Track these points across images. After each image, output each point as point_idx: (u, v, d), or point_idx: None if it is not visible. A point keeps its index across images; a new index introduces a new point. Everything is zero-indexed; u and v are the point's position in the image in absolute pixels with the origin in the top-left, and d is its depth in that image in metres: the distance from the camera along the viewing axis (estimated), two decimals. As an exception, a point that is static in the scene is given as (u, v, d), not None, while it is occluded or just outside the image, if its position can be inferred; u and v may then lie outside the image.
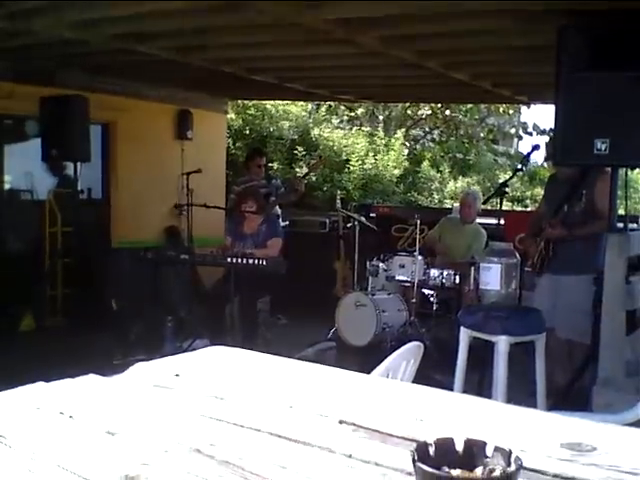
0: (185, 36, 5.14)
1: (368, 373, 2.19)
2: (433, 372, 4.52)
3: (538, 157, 16.43)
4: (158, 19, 4.48)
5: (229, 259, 5.17)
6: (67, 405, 0.97)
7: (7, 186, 7.20)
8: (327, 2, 3.91)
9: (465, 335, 3.75)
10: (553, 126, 3.77)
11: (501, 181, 6.51)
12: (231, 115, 11.19)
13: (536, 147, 4.79)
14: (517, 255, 3.82)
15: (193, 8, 4.12)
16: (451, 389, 3.85)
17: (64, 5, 4.06)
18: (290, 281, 5.75)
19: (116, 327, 5.85)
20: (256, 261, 5.12)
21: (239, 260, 5.13)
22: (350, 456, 0.81)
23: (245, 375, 1.18)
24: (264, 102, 12.06)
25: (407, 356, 2.23)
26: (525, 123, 16.33)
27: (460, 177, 15.13)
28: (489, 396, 3.65)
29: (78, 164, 6.46)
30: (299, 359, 4.94)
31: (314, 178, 11.89)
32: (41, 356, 5.32)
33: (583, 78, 3.53)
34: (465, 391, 3.87)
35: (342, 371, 1.21)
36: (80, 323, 6.23)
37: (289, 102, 12.44)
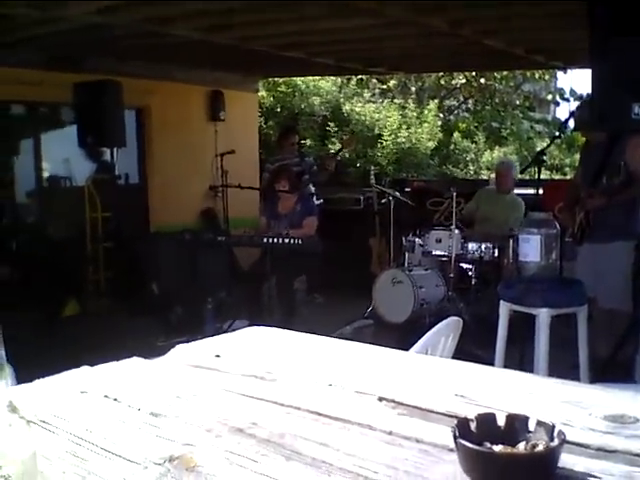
0: (213, 16, 5.13)
1: (407, 350, 2.19)
2: (473, 347, 4.49)
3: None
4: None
5: (265, 239, 5.19)
6: (112, 388, 0.99)
7: (46, 173, 7.33)
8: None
9: (505, 309, 3.70)
10: (590, 91, 3.67)
11: (538, 149, 6.38)
12: (262, 93, 11.16)
13: (573, 113, 4.69)
14: (557, 225, 3.75)
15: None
16: (492, 364, 3.83)
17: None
18: (326, 259, 5.76)
19: (158, 310, 5.95)
20: (292, 240, 5.13)
21: (275, 240, 5.14)
22: (390, 433, 0.81)
23: (284, 354, 1.19)
24: (295, 78, 11.99)
25: (446, 332, 2.22)
26: (562, 89, 15.92)
27: (496, 147, 14.87)
28: (531, 370, 3.61)
29: (114, 150, 6.54)
30: (337, 337, 4.96)
31: (347, 155, 11.83)
32: (86, 340, 5.44)
33: (617, 43, 3.43)
34: (506, 366, 3.84)
35: (380, 348, 1.20)
36: (123, 306, 6.36)
37: (319, 78, 12.35)
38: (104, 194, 6.87)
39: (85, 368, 1.10)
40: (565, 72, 12.83)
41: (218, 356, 1.15)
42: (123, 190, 7.29)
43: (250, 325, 5.00)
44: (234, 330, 4.77)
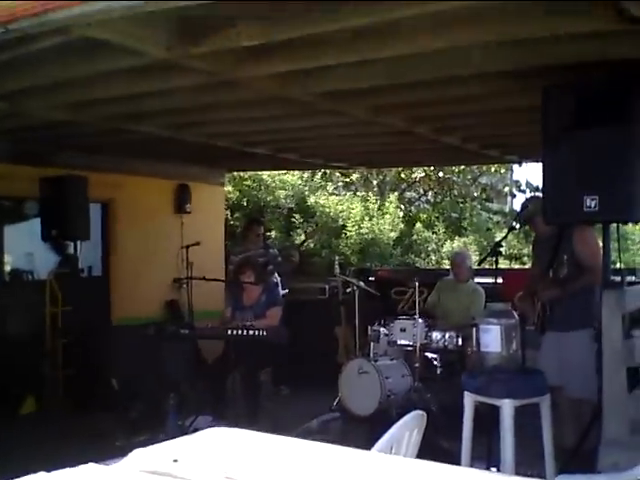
0: (179, 114, 5.29)
1: (374, 444, 2.17)
2: (440, 439, 4.45)
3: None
4: (152, 99, 4.61)
5: (229, 331, 5.16)
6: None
7: (8, 267, 7.23)
8: (312, 76, 4.04)
9: (469, 400, 3.71)
10: (542, 185, 3.84)
11: (496, 240, 6.58)
12: (228, 187, 11.36)
13: (526, 205, 4.88)
14: (516, 315, 3.83)
15: (187, 87, 4.26)
16: (459, 456, 3.79)
17: (59, 87, 4.19)
18: (292, 349, 5.72)
19: (118, 406, 5.77)
20: (256, 332, 5.11)
21: (239, 332, 5.11)
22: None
23: (245, 458, 1.17)
24: (260, 173, 12.27)
25: (410, 426, 2.21)
26: (518, 181, 16.58)
27: (456, 237, 15.23)
28: (498, 461, 3.59)
29: (78, 243, 6.53)
30: (304, 431, 4.85)
31: (312, 245, 11.99)
32: (43, 440, 5.25)
33: (569, 136, 3.62)
34: (473, 457, 3.81)
35: (343, 449, 1.20)
36: (82, 404, 6.17)
37: (285, 171, 12.67)
38: (66, 288, 6.79)
39: (41, 475, 1.07)
40: (520, 165, 13.41)
41: (176, 461, 1.14)
42: (86, 283, 7.22)
43: (213, 421, 4.87)
44: (197, 427, 4.64)
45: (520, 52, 3.50)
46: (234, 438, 1.33)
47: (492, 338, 3.68)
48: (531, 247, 5.10)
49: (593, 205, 3.48)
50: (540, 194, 4.44)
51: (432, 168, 14.78)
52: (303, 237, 10.38)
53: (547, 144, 3.69)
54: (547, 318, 4.34)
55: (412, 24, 3.09)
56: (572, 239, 4.24)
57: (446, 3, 2.69)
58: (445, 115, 5.33)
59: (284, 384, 6.96)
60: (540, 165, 3.86)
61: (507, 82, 4.09)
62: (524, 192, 15.64)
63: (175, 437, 3.52)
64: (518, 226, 5.08)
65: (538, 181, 14.86)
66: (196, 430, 4.32)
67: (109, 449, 4.99)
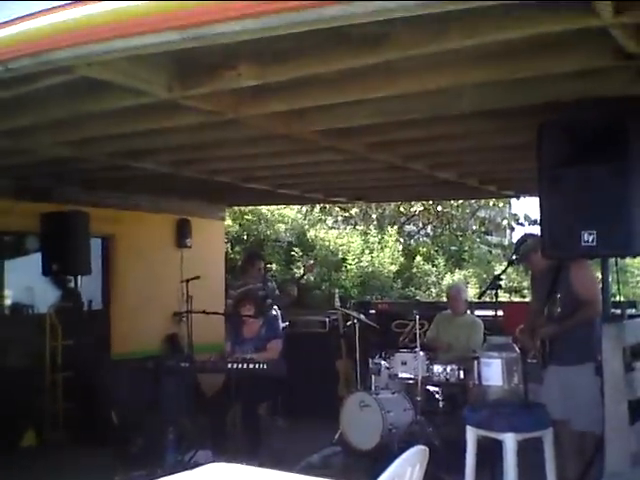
0: (181, 151, 5.37)
1: (375, 479, 2.17)
2: (443, 473, 4.41)
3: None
4: (154, 137, 4.69)
5: (229, 365, 5.16)
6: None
7: (8, 301, 7.25)
8: (309, 114, 4.13)
9: (472, 434, 3.70)
10: (539, 221, 3.88)
11: (496, 273, 6.61)
12: (228, 221, 11.44)
13: (524, 239, 4.93)
14: (517, 349, 3.84)
15: (188, 125, 4.34)
16: (462, 490, 3.77)
17: (61, 124, 4.26)
18: (292, 383, 5.71)
19: (117, 440, 5.74)
20: (256, 365, 5.12)
21: (239, 365, 5.12)
22: None
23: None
24: (260, 207, 12.37)
25: (412, 462, 2.21)
26: (516, 214, 16.67)
27: (456, 270, 15.27)
28: (501, 495, 3.57)
29: (78, 278, 6.56)
30: (305, 466, 4.83)
31: (312, 278, 12.02)
32: (43, 473, 5.24)
33: (565, 173, 3.66)
34: (476, 491, 3.79)
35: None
36: (81, 437, 6.16)
37: (284, 206, 12.77)
38: (66, 322, 6.80)
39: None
40: (518, 199, 13.52)
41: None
42: (86, 317, 7.23)
43: (213, 456, 4.84)
44: (196, 461, 4.62)
45: (514, 91, 3.57)
46: (234, 474, 1.35)
47: (493, 372, 3.69)
48: (529, 282, 5.13)
49: (591, 240, 3.51)
50: (534, 230, 4.49)
51: (431, 202, 14.89)
52: (300, 272, 10.41)
53: (543, 181, 3.73)
54: (548, 352, 4.34)
55: (406, 65, 3.16)
56: (569, 274, 4.27)
57: (438, 45, 2.76)
58: (440, 152, 5.41)
59: (285, 418, 6.93)
60: (537, 199, 3.89)
61: (501, 120, 4.16)
62: (522, 225, 15.74)
63: (174, 472, 3.53)
64: (516, 260, 5.10)
65: (536, 214, 14.95)
66: (196, 465, 4.31)
67: (109, 484, 4.98)
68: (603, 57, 3.01)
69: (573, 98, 3.61)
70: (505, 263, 14.52)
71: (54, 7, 2.51)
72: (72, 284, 6.78)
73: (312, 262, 9.28)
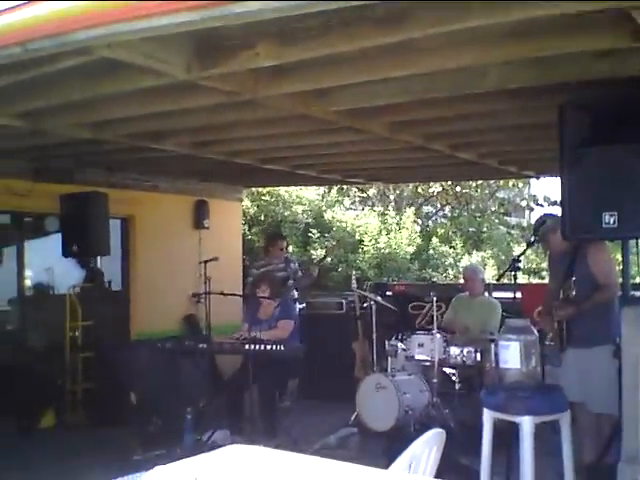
0: (199, 132, 5.36)
1: (392, 460, 2.18)
2: (459, 455, 4.42)
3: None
4: (173, 118, 4.69)
5: (247, 346, 5.18)
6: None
7: (29, 282, 7.33)
8: (329, 94, 4.09)
9: (489, 417, 3.69)
10: (560, 202, 3.83)
11: (514, 254, 6.56)
12: (246, 202, 11.45)
13: (544, 220, 4.88)
14: (535, 331, 3.82)
15: (207, 106, 4.32)
16: (478, 472, 3.78)
17: (80, 106, 4.26)
18: (309, 364, 5.73)
19: (136, 421, 5.80)
20: (273, 347, 5.13)
21: (257, 347, 5.13)
22: None
23: (262, 475, 1.19)
24: (278, 188, 12.36)
25: (430, 444, 2.21)
26: (535, 195, 16.51)
27: (474, 251, 15.18)
28: (517, 477, 3.57)
29: (98, 258, 6.61)
30: (322, 447, 4.84)
31: (329, 259, 12.02)
32: (62, 453, 5.30)
33: (586, 153, 3.63)
34: (492, 473, 3.79)
35: (361, 468, 1.22)
36: (100, 418, 6.23)
37: (302, 187, 12.75)
38: (86, 302, 6.87)
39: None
40: (538, 179, 13.38)
41: (196, 479, 1.16)
42: (105, 298, 7.29)
43: (231, 436, 4.86)
44: (214, 442, 4.65)
45: (536, 70, 3.52)
46: (252, 455, 1.35)
47: (511, 354, 3.67)
48: (548, 263, 5.10)
49: (612, 221, 3.47)
50: (554, 211, 4.44)
51: (449, 183, 14.78)
52: (320, 251, 10.41)
53: (564, 161, 3.69)
54: (565, 335, 4.32)
55: (429, 44, 3.13)
56: (586, 257, 4.23)
57: (460, 24, 2.72)
58: (461, 132, 5.35)
59: (301, 399, 6.97)
60: (557, 179, 3.85)
61: (523, 99, 4.11)
62: (542, 206, 15.58)
63: (192, 452, 3.54)
64: (534, 242, 5.05)
65: (556, 195, 14.85)
66: (214, 445, 4.36)
67: (127, 463, 5.05)
68: (623, 38, 2.97)
69: (594, 78, 3.56)
70: (524, 244, 14.43)
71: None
72: (92, 265, 6.82)
73: (334, 244, 9.26)
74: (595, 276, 4.20)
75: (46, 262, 7.24)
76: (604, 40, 3.06)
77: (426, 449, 2.20)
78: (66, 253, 6.53)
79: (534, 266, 14.40)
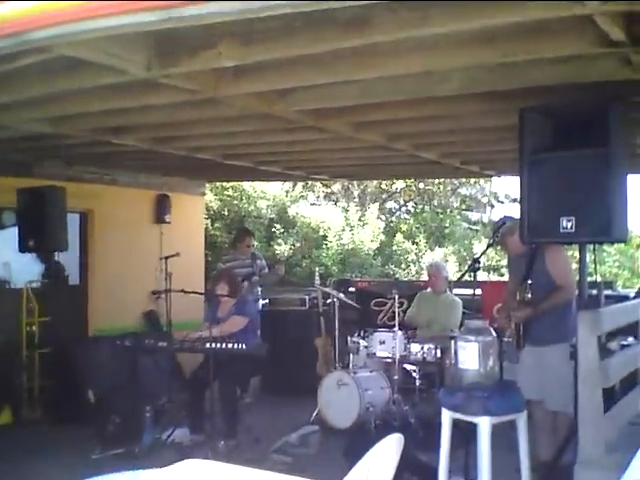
0: (161, 128, 5.29)
1: (352, 458, 2.19)
2: (418, 452, 4.47)
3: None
4: (134, 114, 4.62)
5: (207, 345, 5.14)
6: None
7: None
8: (292, 94, 4.08)
9: (447, 416, 3.75)
10: (519, 205, 3.89)
11: (475, 253, 6.67)
12: (209, 196, 11.36)
13: (504, 221, 4.96)
14: (493, 332, 3.88)
15: (168, 104, 4.27)
16: (437, 470, 3.83)
17: (39, 101, 4.17)
18: (272, 361, 5.72)
19: (94, 419, 5.72)
20: (235, 345, 5.10)
21: (217, 345, 5.10)
22: None
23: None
24: (242, 183, 12.29)
25: (388, 450, 2.23)
26: (496, 192, 16.77)
27: (436, 248, 15.34)
28: (475, 474, 3.64)
29: (55, 253, 6.48)
30: (283, 445, 4.82)
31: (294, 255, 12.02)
32: (19, 451, 5.20)
33: (545, 158, 3.68)
34: (451, 470, 3.85)
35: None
36: (58, 416, 6.12)
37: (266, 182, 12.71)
38: (43, 298, 6.73)
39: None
40: (499, 177, 13.57)
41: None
42: (63, 294, 7.15)
43: (191, 435, 4.82)
44: (173, 440, 4.60)
45: (499, 75, 3.56)
46: (209, 472, 1.35)
47: (469, 355, 3.72)
48: (507, 263, 5.19)
49: (569, 226, 3.53)
50: (514, 208, 4.51)
51: (412, 179, 14.91)
52: (284, 247, 10.40)
53: (523, 165, 3.74)
54: (522, 334, 4.39)
55: (392, 48, 3.13)
56: (544, 259, 4.30)
57: (422, 29, 2.73)
58: (424, 132, 5.39)
59: (263, 396, 6.96)
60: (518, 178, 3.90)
61: (486, 103, 4.15)
62: (502, 203, 15.83)
63: (151, 451, 3.50)
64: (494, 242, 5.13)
65: (516, 192, 15.06)
66: (173, 443, 4.30)
67: (85, 461, 4.98)
68: (587, 44, 3.01)
69: (557, 83, 3.61)
70: (485, 241, 14.65)
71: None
72: (49, 260, 6.69)
73: (303, 243, 9.25)
74: (552, 277, 4.28)
75: (2, 257, 7.07)
76: (568, 46, 3.09)
77: (384, 455, 2.21)
78: (22, 248, 6.39)
79: (494, 263, 14.63)
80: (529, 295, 4.32)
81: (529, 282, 4.30)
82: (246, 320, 5.73)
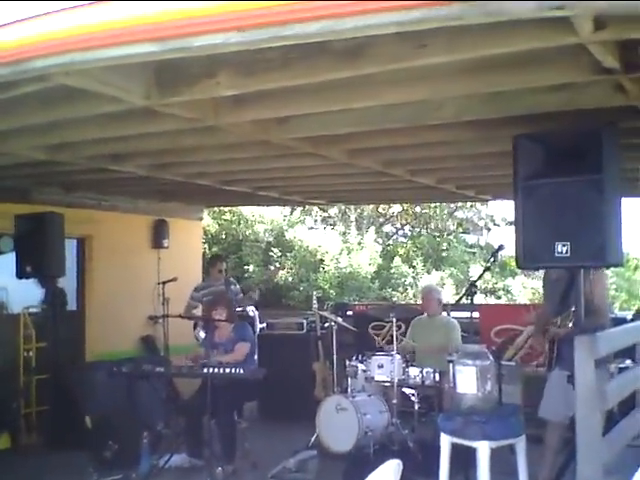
0: (159, 155, 5.34)
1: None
2: (417, 476, 4.46)
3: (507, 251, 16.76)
4: (132, 141, 4.67)
5: (205, 370, 5.13)
6: None
7: (-17, 302, 7.15)
8: (288, 122, 4.14)
9: (446, 441, 3.76)
10: (514, 231, 3.92)
11: (472, 276, 6.69)
12: (207, 220, 11.40)
13: (501, 247, 4.99)
14: (490, 356, 3.90)
15: (166, 131, 4.32)
16: (436, 494, 3.83)
17: (38, 129, 4.22)
18: (269, 385, 5.70)
19: (91, 444, 5.69)
20: (233, 370, 5.09)
21: (215, 370, 5.10)
22: None
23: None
24: (239, 207, 12.35)
25: (386, 475, 2.23)
26: (493, 215, 16.85)
27: (434, 271, 15.35)
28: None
29: (56, 279, 6.51)
30: (282, 470, 4.82)
31: (290, 278, 12.03)
32: (18, 477, 5.19)
33: (539, 184, 3.72)
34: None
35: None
36: (55, 441, 6.10)
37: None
38: (40, 324, 6.75)
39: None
40: (495, 200, 13.65)
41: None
42: (61, 318, 7.14)
43: (189, 460, 4.80)
44: (171, 466, 4.59)
45: (492, 103, 3.61)
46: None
47: (467, 379, 3.75)
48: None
49: (564, 251, 3.56)
50: (509, 236, 4.52)
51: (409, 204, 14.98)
52: (282, 272, 10.44)
53: (518, 192, 3.78)
54: (556, 356, 4.35)
55: (385, 77, 3.19)
56: (591, 281, 4.17)
57: (417, 60, 2.78)
58: (419, 159, 5.44)
59: (261, 420, 6.93)
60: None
61: (480, 130, 4.20)
62: (498, 226, 15.88)
63: (149, 477, 3.49)
64: (494, 263, 5.12)
65: (512, 216, 15.07)
66: (170, 469, 4.29)
67: (83, 489, 4.96)
68: (580, 71, 3.06)
69: (550, 110, 3.66)
70: (481, 264, 14.67)
71: (31, 17, 2.49)
72: (54, 285, 6.71)
73: (277, 267, 9.26)
74: (591, 298, 4.19)
75: (1, 282, 7.07)
76: (562, 74, 3.14)
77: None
78: (20, 274, 6.40)
79: (490, 286, 14.64)
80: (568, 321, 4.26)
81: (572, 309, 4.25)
82: (249, 345, 5.76)
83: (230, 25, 2.25)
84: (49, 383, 6.57)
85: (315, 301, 7.57)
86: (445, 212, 16.39)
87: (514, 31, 2.58)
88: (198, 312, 6.98)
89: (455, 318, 6.59)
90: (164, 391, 6.32)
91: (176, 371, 5.52)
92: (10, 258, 6.56)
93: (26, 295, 7.06)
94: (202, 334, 6.02)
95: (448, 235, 16.56)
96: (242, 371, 5.12)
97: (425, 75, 3.19)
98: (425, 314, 6.66)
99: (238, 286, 7.62)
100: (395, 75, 3.16)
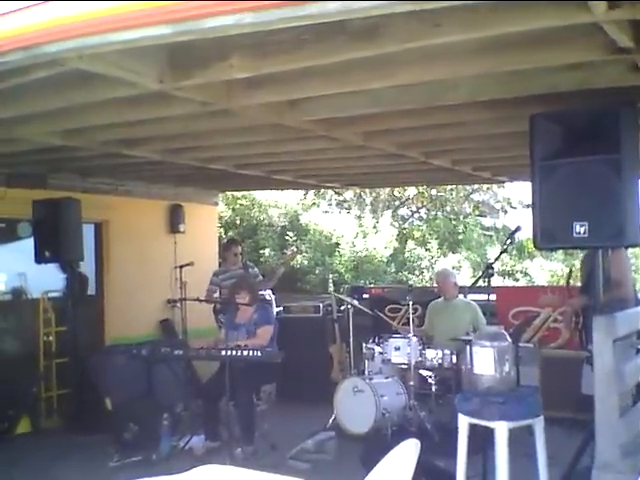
0: (173, 140, 5.35)
1: (369, 464, 2.21)
2: (435, 458, 4.47)
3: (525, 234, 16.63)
4: (147, 126, 4.67)
5: (223, 352, 5.17)
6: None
7: (1, 287, 7.24)
8: (303, 105, 4.12)
9: (464, 422, 3.76)
10: (531, 210, 3.89)
11: (489, 258, 6.65)
12: (222, 206, 11.43)
13: (518, 228, 4.95)
14: (508, 337, 3.88)
15: (180, 115, 4.32)
16: (454, 475, 3.84)
17: (53, 114, 4.23)
18: (287, 368, 5.74)
19: (111, 427, 5.77)
20: (250, 352, 5.13)
21: (234, 352, 5.13)
22: None
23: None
24: (253, 192, 12.36)
25: (404, 455, 2.24)
26: (509, 198, 16.70)
27: (450, 254, 15.28)
28: (493, 479, 3.64)
29: (75, 264, 6.58)
30: (300, 451, 4.85)
31: (305, 262, 12.05)
32: (38, 460, 5.26)
33: (557, 164, 3.68)
34: (468, 476, 3.85)
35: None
36: (76, 424, 6.17)
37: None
38: (59, 308, 6.82)
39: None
40: (512, 182, 13.54)
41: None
42: (80, 303, 7.23)
43: (208, 442, 4.86)
44: (191, 447, 4.66)
45: (508, 83, 3.57)
46: (225, 477, 1.37)
47: (485, 360, 3.74)
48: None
49: (582, 231, 3.54)
50: (526, 218, 4.46)
51: (424, 186, 14.91)
52: (297, 257, 10.45)
53: (535, 172, 3.74)
54: (585, 335, 4.33)
55: (401, 57, 3.16)
56: (608, 258, 4.20)
57: (433, 39, 2.75)
58: (434, 140, 5.40)
59: (279, 403, 6.98)
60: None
61: (496, 110, 4.16)
62: (515, 208, 15.76)
63: (169, 458, 3.56)
64: (511, 244, 5.09)
65: (529, 198, 14.94)
66: (190, 451, 4.36)
67: (103, 470, 5.03)
68: (596, 51, 3.03)
69: (566, 90, 3.62)
70: (498, 246, 14.58)
71: (44, 1, 2.49)
72: (65, 270, 6.77)
73: (293, 250, 9.23)
74: (611, 274, 4.19)
75: (19, 267, 7.16)
76: (577, 53, 3.10)
77: (400, 460, 2.23)
78: (39, 259, 6.47)
79: (508, 268, 14.54)
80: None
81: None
82: (272, 328, 5.80)
83: (243, 6, 2.23)
84: (69, 367, 6.64)
85: (331, 284, 7.59)
86: (461, 195, 16.28)
87: (529, 10, 2.56)
88: (217, 296, 7.02)
89: (473, 300, 6.58)
90: (183, 373, 6.39)
91: (194, 353, 5.57)
92: (29, 243, 6.64)
93: (45, 280, 7.15)
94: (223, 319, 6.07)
95: (464, 218, 16.44)
96: (260, 354, 5.15)
97: (440, 55, 3.16)
98: (441, 298, 6.65)
99: (256, 269, 7.64)
100: (410, 55, 3.13)
